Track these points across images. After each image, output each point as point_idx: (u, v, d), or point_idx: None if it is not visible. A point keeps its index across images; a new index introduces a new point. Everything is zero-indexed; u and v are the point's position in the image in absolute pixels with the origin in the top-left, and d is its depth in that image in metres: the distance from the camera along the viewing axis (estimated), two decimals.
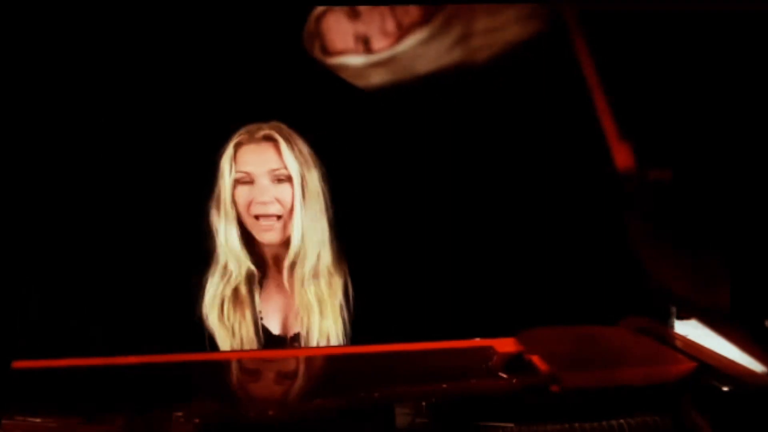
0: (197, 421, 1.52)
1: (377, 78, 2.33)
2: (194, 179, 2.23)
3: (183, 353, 1.94)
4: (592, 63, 2.25)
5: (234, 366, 1.99)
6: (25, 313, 2.32)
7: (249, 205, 2.16)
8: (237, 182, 2.16)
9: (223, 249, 2.19)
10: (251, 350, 2.17)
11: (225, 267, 2.19)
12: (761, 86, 2.23)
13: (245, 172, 2.16)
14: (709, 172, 2.19)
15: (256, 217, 2.16)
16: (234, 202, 2.17)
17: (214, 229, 2.19)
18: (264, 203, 2.15)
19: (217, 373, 1.89)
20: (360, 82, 2.34)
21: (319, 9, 2.32)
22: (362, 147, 2.36)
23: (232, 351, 2.17)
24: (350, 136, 2.34)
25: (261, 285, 2.24)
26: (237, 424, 1.56)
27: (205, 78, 2.33)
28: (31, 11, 2.21)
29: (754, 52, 2.24)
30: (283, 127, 2.20)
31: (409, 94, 2.34)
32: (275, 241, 2.19)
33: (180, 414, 1.52)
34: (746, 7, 2.18)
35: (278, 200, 2.16)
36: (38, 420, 1.53)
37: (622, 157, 2.26)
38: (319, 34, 2.33)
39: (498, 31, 2.32)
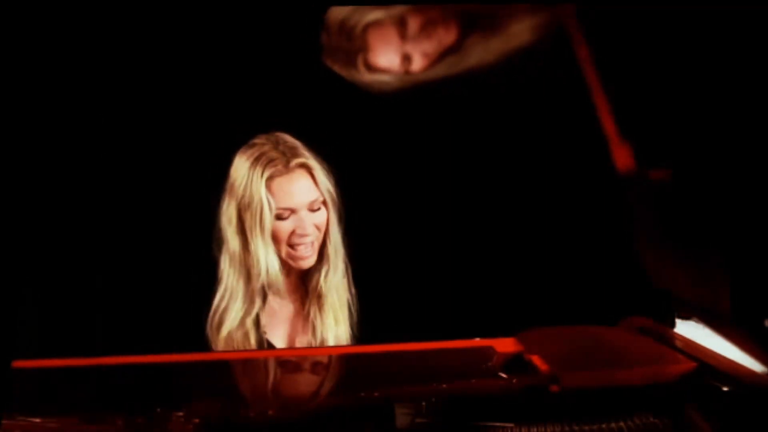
0: (197, 421, 1.52)
1: (388, 88, 2.31)
2: (208, 193, 2.21)
3: (183, 353, 1.94)
4: (592, 64, 2.26)
5: (234, 366, 1.99)
6: (38, 316, 2.32)
7: (290, 235, 2.12)
8: (278, 218, 2.11)
9: (263, 279, 2.12)
10: (250, 350, 2.17)
11: (252, 298, 2.13)
12: (761, 86, 2.23)
13: (288, 208, 2.11)
14: (709, 172, 2.19)
15: (292, 246, 2.12)
16: (274, 234, 2.11)
17: (246, 260, 2.12)
18: (304, 235, 2.12)
19: (217, 373, 1.89)
20: (370, 90, 2.31)
21: (368, 18, 2.21)
22: (364, 151, 2.35)
23: (232, 351, 2.16)
24: (353, 141, 2.33)
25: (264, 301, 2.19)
26: (237, 424, 1.56)
27: (211, 86, 2.32)
28: (61, 16, 2.21)
29: (753, 51, 2.24)
30: (297, 144, 2.15)
31: (410, 100, 2.32)
32: (311, 266, 2.16)
33: (180, 414, 1.53)
34: (745, 6, 2.18)
35: (316, 226, 2.14)
36: (38, 420, 1.53)
37: (622, 157, 2.26)
38: (365, 49, 2.22)
39: (508, 41, 2.32)
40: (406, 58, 2.24)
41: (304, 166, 2.13)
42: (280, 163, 2.11)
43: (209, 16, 2.26)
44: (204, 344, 2.16)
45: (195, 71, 2.32)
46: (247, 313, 2.14)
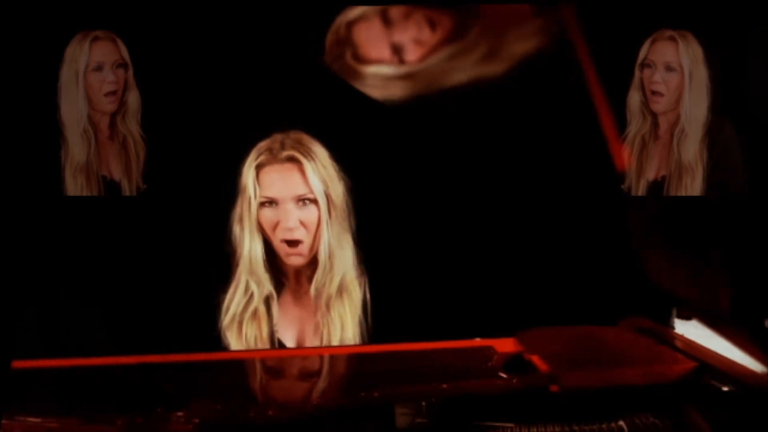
0: (197, 421, 1.52)
1: (398, 90, 2.29)
2: (217, 193, 2.19)
3: (183, 353, 1.94)
4: (593, 65, 2.26)
5: (234, 366, 1.99)
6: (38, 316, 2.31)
7: (275, 227, 2.13)
8: (262, 205, 2.12)
9: (245, 268, 2.15)
10: (250, 350, 2.17)
11: (246, 286, 2.15)
12: (761, 86, 2.23)
13: (270, 198, 2.12)
14: (710, 171, 2.19)
15: (285, 242, 2.13)
16: (259, 222, 2.13)
17: (236, 244, 2.16)
18: (290, 229, 2.12)
19: (217, 374, 1.89)
20: (380, 94, 2.30)
21: (350, 14, 2.25)
22: (377, 158, 2.34)
23: (232, 351, 2.17)
24: (367, 147, 2.31)
25: (278, 298, 2.20)
26: (237, 424, 1.56)
27: (228, 87, 2.29)
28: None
29: (753, 51, 2.24)
30: (305, 140, 2.14)
31: (421, 105, 2.33)
32: (301, 264, 2.16)
33: (180, 414, 1.53)
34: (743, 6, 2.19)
35: (303, 224, 2.12)
36: (38, 420, 1.53)
37: (622, 157, 2.26)
38: (350, 42, 2.26)
39: (514, 45, 2.32)
40: (397, 49, 2.25)
41: (293, 160, 2.12)
42: (271, 152, 2.13)
43: (234, 24, 2.28)
44: (207, 343, 2.17)
45: (213, 75, 2.31)
46: (249, 302, 2.15)
